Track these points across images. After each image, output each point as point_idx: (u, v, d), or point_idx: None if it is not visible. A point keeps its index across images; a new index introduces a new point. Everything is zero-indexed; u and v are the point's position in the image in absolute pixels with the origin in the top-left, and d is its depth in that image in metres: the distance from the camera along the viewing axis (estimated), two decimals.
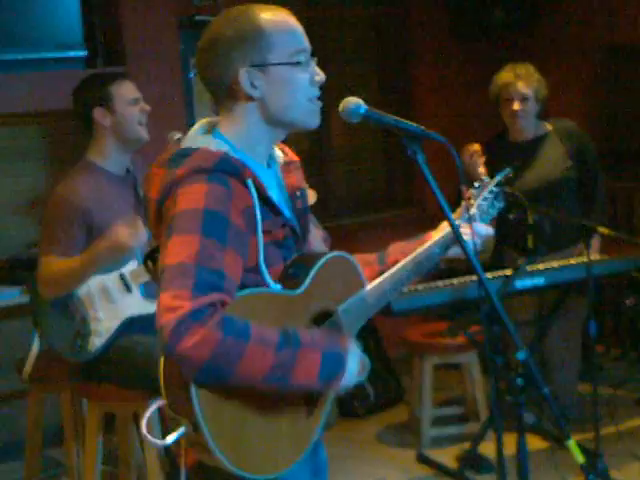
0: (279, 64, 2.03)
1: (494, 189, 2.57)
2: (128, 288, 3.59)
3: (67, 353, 3.55)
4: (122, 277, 3.59)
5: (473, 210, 2.50)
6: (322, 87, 2.11)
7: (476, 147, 4.24)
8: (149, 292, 3.59)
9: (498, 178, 2.62)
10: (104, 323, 3.53)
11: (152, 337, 3.43)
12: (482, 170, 4.30)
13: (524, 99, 4.47)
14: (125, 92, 3.64)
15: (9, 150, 4.90)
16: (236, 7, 2.07)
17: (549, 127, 4.63)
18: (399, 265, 2.30)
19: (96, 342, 3.52)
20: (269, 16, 2.04)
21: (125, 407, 3.70)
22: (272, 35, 2.02)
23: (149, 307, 3.55)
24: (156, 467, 3.59)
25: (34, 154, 4.99)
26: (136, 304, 3.59)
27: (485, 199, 2.54)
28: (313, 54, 2.10)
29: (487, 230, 2.46)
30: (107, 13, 4.98)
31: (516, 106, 4.47)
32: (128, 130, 3.64)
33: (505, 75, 4.51)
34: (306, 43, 2.08)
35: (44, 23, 4.65)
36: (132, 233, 3.40)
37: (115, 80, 3.66)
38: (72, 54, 4.75)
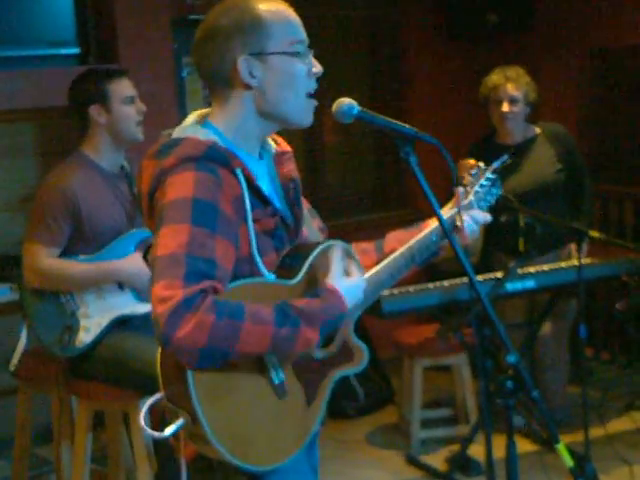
0: (278, 53, 2.03)
1: (491, 176, 2.57)
2: (121, 287, 3.60)
3: (55, 348, 3.54)
4: None
5: (470, 197, 2.49)
6: (319, 80, 2.12)
7: (472, 162, 4.28)
8: (140, 293, 3.63)
9: (495, 165, 2.62)
10: (94, 319, 3.53)
11: (142, 336, 3.46)
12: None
13: (513, 101, 4.50)
14: (122, 90, 3.62)
15: (0, 147, 4.88)
16: None
17: (538, 130, 4.66)
18: (396, 253, 2.30)
19: (84, 338, 3.52)
20: (266, 6, 2.04)
21: (115, 405, 3.69)
22: (270, 24, 2.02)
23: (140, 307, 3.59)
24: (145, 466, 3.58)
25: (25, 151, 4.97)
26: (128, 304, 3.59)
27: (482, 186, 2.53)
28: (310, 47, 2.11)
29: (484, 217, 2.45)
30: (100, 11, 4.96)
31: (505, 107, 4.49)
32: (124, 129, 3.64)
33: (495, 77, 4.54)
34: (304, 35, 2.09)
35: (37, 20, 4.64)
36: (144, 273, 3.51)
37: (112, 77, 3.63)
38: (65, 52, 4.75)
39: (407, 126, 2.14)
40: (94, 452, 3.83)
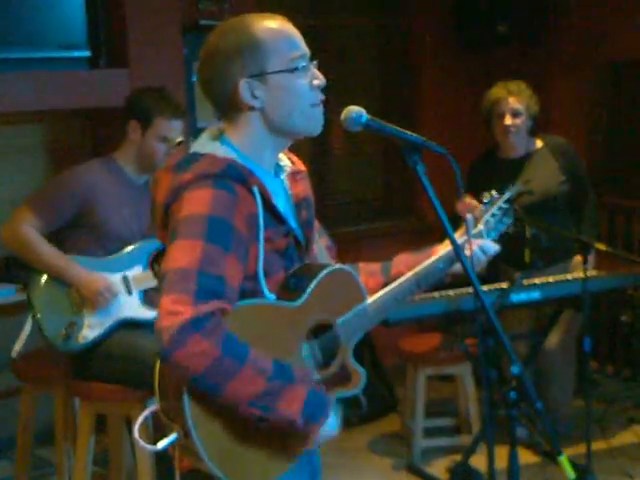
0: (277, 72, 2.02)
1: (503, 205, 2.55)
2: (129, 290, 3.63)
3: (56, 341, 3.57)
4: (125, 278, 3.63)
5: (480, 226, 2.48)
6: (324, 90, 2.11)
7: (470, 202, 4.29)
8: (148, 299, 3.67)
9: (508, 195, 2.60)
10: (99, 318, 3.58)
11: (146, 339, 3.47)
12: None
13: (516, 114, 4.50)
14: (163, 129, 3.67)
15: (10, 148, 4.90)
16: (232, 19, 2.08)
17: (540, 143, 4.66)
18: (402, 279, 2.29)
19: (87, 335, 3.57)
20: (264, 25, 2.03)
21: (117, 408, 3.69)
22: (268, 45, 2.02)
23: (145, 313, 3.64)
24: (147, 469, 3.58)
25: (34, 153, 4.98)
26: (133, 307, 3.64)
27: (493, 215, 2.52)
28: (313, 58, 2.10)
29: (494, 247, 2.43)
30: (111, 14, 4.97)
31: (508, 121, 4.50)
32: (146, 156, 3.71)
33: (497, 91, 4.55)
34: (304, 48, 2.08)
35: (48, 22, 4.65)
36: (103, 298, 3.55)
37: (165, 112, 3.67)
38: (75, 54, 4.75)
39: (415, 135, 2.14)
40: (95, 454, 3.84)
